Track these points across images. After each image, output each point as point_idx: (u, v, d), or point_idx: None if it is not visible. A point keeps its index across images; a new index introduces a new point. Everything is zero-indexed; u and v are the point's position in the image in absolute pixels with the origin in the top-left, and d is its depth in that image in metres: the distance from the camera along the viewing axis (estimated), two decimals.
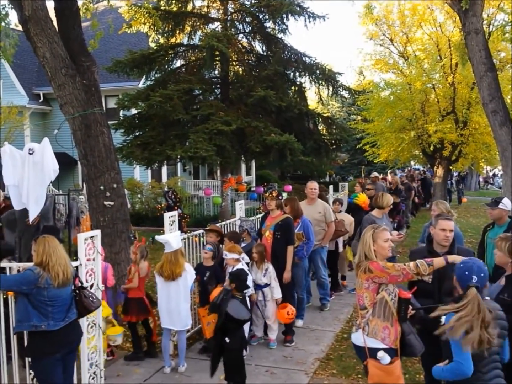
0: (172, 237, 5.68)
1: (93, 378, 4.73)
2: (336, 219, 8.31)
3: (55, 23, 7.65)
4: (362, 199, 9.17)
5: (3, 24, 12.06)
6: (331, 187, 13.87)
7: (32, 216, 6.01)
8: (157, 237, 5.69)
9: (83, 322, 4.49)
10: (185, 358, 5.75)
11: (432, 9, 18.76)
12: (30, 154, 6.21)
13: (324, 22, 15.63)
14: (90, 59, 7.93)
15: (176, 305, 5.56)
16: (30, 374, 4.37)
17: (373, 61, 20.73)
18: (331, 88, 15.90)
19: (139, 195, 19.03)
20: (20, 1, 7.15)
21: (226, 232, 7.14)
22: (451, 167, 20.57)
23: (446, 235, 4.22)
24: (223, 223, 8.00)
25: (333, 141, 16.42)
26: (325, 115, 17.91)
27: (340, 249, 8.73)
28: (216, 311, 4.74)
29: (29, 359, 4.12)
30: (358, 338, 3.94)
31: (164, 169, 22.17)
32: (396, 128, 19.41)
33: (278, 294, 6.21)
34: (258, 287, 6.19)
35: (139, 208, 18.46)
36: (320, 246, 7.67)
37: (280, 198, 6.59)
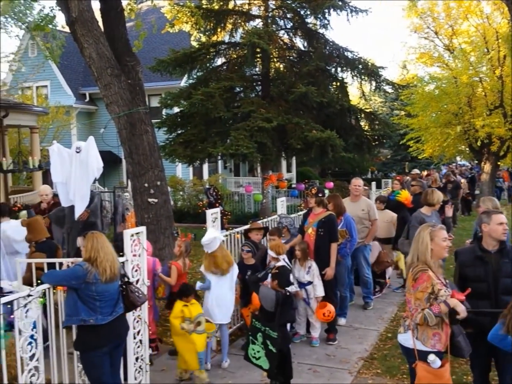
0: (215, 233, 5.70)
1: (138, 372, 4.82)
2: (382, 250, 8.27)
3: (100, 24, 7.82)
4: (404, 195, 8.96)
5: (50, 26, 12.41)
6: (373, 183, 13.65)
7: (78, 212, 6.17)
8: (204, 241, 5.66)
9: (129, 316, 4.57)
10: (228, 354, 5.78)
11: (479, 0, 18.15)
12: (77, 152, 6.38)
13: (367, 16, 15.36)
14: (135, 59, 8.07)
15: (225, 299, 5.62)
16: (78, 366, 4.49)
17: (417, 54, 20.20)
18: (373, 83, 15.67)
19: (181, 192, 19.29)
20: (67, 3, 7.33)
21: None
22: (499, 163, 19.87)
23: (505, 228, 4.11)
24: (264, 220, 8.01)
25: (375, 137, 16.19)
26: (368, 110, 17.65)
27: (389, 274, 8.78)
28: (253, 286, 4.91)
29: (78, 352, 4.22)
30: (407, 339, 3.83)
31: (206, 167, 22.39)
32: (441, 123, 18.88)
33: (320, 292, 6.15)
34: (301, 285, 6.16)
35: (181, 205, 18.70)
36: (363, 244, 7.56)
37: (319, 195, 6.52)
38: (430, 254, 3.75)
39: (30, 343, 3.74)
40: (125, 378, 4.70)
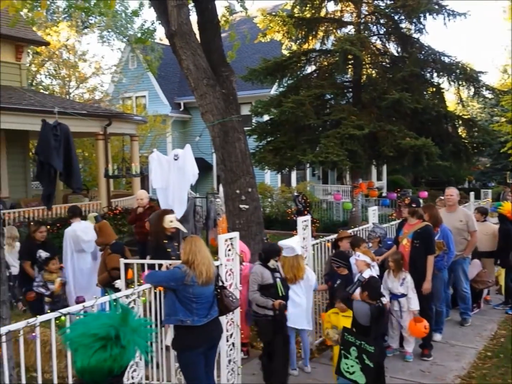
0: (295, 242, 5.71)
1: (231, 374, 4.92)
2: (483, 269, 7.83)
3: (197, 36, 8.13)
4: (507, 207, 8.42)
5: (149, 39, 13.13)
6: (471, 194, 12.97)
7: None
8: (280, 243, 5.72)
9: (223, 319, 4.68)
10: (319, 363, 5.74)
11: None
12: (175, 159, 6.69)
13: (465, 19, 14.63)
14: (229, 69, 8.30)
15: (300, 306, 5.60)
16: (175, 365, 4.67)
17: None
18: (472, 89, 14.90)
19: (269, 199, 19.50)
20: (167, 17, 7.70)
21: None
22: None
23: None
24: (356, 229, 7.90)
25: (474, 145, 15.36)
26: (466, 117, 16.81)
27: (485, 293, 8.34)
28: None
29: (175, 351, 4.39)
30: None
31: (294, 174, 22.46)
32: None
33: (415, 305, 5.93)
34: (394, 296, 5.98)
35: (269, 212, 18.89)
36: (462, 257, 7.19)
37: (413, 205, 6.30)
38: None
39: None
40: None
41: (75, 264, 7.24)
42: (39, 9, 16.76)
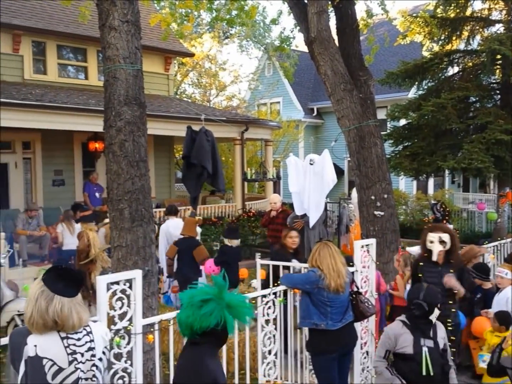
0: None
1: (364, 383, 4.84)
2: None
3: (336, 41, 8.14)
4: None
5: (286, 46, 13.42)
6: None
7: (313, 221, 6.51)
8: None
9: (357, 327, 4.62)
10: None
11: None
12: (311, 164, 6.77)
13: None
14: (367, 73, 8.19)
15: None
16: (309, 365, 4.71)
17: None
18: None
19: (403, 207, 18.80)
20: (307, 24, 7.82)
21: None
22: None
23: None
24: (502, 241, 7.35)
25: None
26: None
27: None
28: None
29: (309, 354, 4.44)
30: None
31: (431, 181, 21.44)
32: None
33: None
34: None
35: (403, 219, 18.22)
36: None
37: None
38: None
39: (269, 338, 4.07)
40: None
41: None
42: (185, 22, 18.02)
